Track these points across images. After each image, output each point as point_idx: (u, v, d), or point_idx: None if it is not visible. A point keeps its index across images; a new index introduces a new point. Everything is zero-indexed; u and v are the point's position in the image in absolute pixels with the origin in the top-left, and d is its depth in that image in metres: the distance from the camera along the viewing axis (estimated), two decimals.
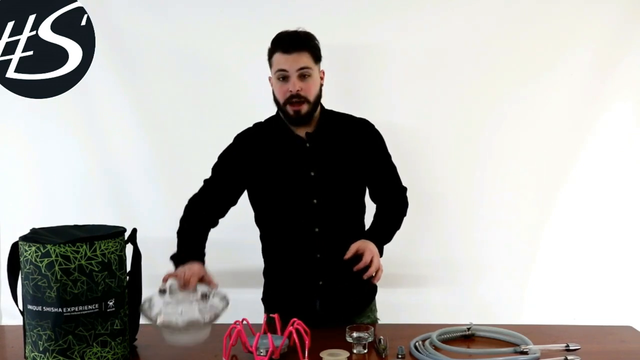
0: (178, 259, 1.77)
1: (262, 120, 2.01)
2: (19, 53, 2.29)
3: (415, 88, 2.52)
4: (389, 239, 1.94)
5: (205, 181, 1.97)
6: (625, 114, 2.54)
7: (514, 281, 2.60)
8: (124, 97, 2.52)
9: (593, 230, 2.58)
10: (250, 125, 2.00)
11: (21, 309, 1.60)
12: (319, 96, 1.90)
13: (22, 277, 1.57)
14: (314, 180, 1.88)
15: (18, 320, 1.66)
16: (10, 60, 2.30)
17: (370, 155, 1.95)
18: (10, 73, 2.30)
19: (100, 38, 2.37)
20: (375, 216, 1.99)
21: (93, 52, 2.34)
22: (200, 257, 1.81)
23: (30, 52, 2.29)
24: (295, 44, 1.83)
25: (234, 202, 1.97)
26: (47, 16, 2.29)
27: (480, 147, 2.55)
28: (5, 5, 2.28)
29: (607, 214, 2.58)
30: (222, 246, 2.39)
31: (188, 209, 1.95)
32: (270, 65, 1.88)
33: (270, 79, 1.91)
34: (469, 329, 1.76)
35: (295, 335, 1.57)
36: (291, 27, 1.89)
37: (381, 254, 1.83)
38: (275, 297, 1.99)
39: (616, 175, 2.57)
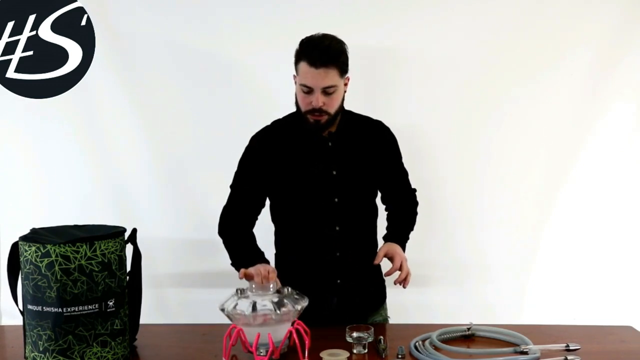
0: (245, 263, 1.74)
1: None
2: (19, 53, 2.29)
3: (414, 89, 2.52)
4: (407, 239, 1.98)
5: (232, 187, 1.95)
6: (625, 114, 2.54)
7: (514, 281, 2.60)
8: (124, 97, 2.51)
9: (593, 231, 2.58)
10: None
11: (21, 309, 1.60)
12: (342, 106, 1.89)
13: (22, 277, 1.57)
14: (336, 179, 1.89)
15: (18, 320, 1.66)
16: (10, 60, 2.29)
17: (385, 157, 1.98)
18: (10, 73, 2.30)
19: (100, 38, 2.37)
20: (391, 218, 2.03)
21: (93, 52, 2.34)
22: (264, 258, 1.82)
23: (30, 52, 2.29)
24: (324, 59, 1.75)
25: (264, 202, 1.97)
26: (47, 16, 2.29)
27: (480, 147, 2.55)
28: (5, 5, 2.27)
29: (607, 214, 2.58)
30: (218, 246, 2.39)
31: (224, 221, 1.93)
32: (296, 70, 1.84)
33: (294, 77, 1.87)
34: (469, 329, 1.76)
35: (295, 336, 1.57)
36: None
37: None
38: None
39: (616, 176, 2.57)
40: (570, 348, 1.64)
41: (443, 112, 2.53)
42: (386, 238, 1.96)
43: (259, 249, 1.87)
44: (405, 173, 2.06)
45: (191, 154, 2.54)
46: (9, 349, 1.77)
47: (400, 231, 1.98)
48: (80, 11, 2.31)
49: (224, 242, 1.90)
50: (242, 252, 1.84)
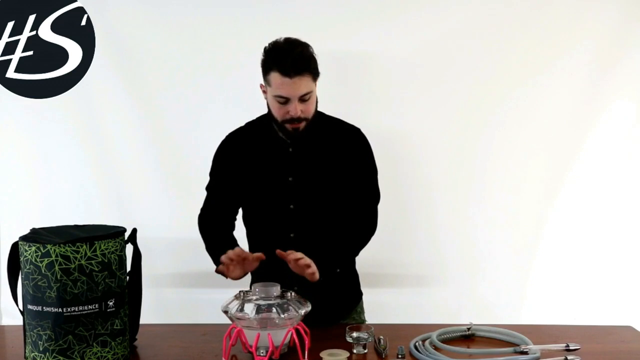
0: (218, 252, 1.76)
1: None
2: (19, 53, 2.29)
3: (413, 88, 2.52)
4: (342, 261, 1.88)
5: (207, 189, 1.97)
6: (625, 114, 2.54)
7: (514, 281, 2.60)
8: (124, 97, 2.52)
9: (593, 230, 2.58)
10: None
11: (21, 309, 1.60)
12: (316, 108, 1.87)
13: (22, 277, 1.57)
14: (292, 186, 1.87)
15: (18, 320, 1.66)
16: (10, 60, 2.29)
17: (352, 164, 1.89)
18: (10, 73, 2.30)
19: (100, 38, 2.37)
20: (340, 236, 1.88)
21: (93, 52, 2.34)
22: (235, 244, 1.82)
23: (30, 52, 2.29)
24: (297, 68, 1.71)
25: (241, 201, 1.96)
26: (47, 16, 2.29)
27: (480, 147, 2.55)
28: (5, 5, 2.27)
29: (607, 213, 2.58)
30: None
31: (201, 224, 1.94)
32: (266, 82, 1.79)
33: (262, 86, 1.83)
34: (469, 329, 1.75)
35: (295, 336, 1.57)
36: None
37: (324, 276, 1.74)
38: None
39: (616, 175, 2.57)
40: (570, 348, 1.63)
41: (443, 113, 2.53)
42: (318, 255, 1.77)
43: (232, 238, 1.85)
44: (371, 184, 1.92)
45: (191, 153, 2.54)
46: (9, 349, 1.77)
47: (336, 253, 1.85)
48: (80, 11, 2.31)
49: (205, 247, 1.89)
50: (218, 250, 1.80)
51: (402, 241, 2.55)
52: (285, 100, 1.76)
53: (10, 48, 2.29)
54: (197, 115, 2.54)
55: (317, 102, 1.86)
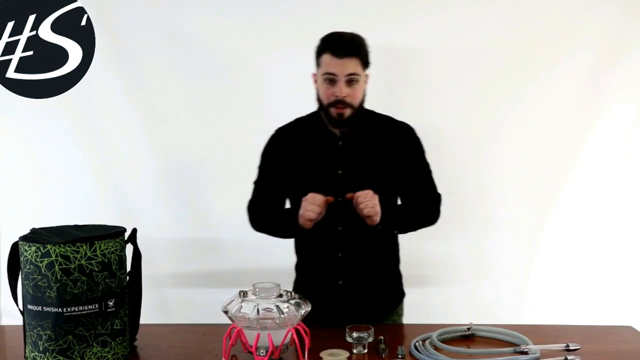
0: (293, 216, 1.83)
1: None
2: (19, 53, 2.29)
3: (413, 89, 2.52)
4: (400, 226, 1.94)
5: (255, 183, 2.00)
6: (625, 114, 2.54)
7: (514, 281, 2.60)
8: (124, 97, 2.52)
9: (593, 230, 2.58)
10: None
11: (21, 309, 1.60)
12: (363, 101, 1.90)
13: (22, 277, 1.57)
14: (341, 179, 1.89)
15: (18, 320, 1.66)
16: (10, 60, 2.29)
17: (405, 160, 1.95)
18: (10, 73, 2.30)
19: (100, 38, 2.36)
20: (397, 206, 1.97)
21: (93, 52, 2.34)
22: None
23: (30, 52, 2.29)
24: (347, 48, 1.81)
25: (290, 193, 1.98)
26: (47, 16, 2.28)
27: (479, 147, 2.55)
28: (5, 5, 2.27)
29: (607, 214, 2.58)
30: (218, 246, 2.40)
31: (253, 213, 1.99)
32: (318, 64, 1.87)
33: (314, 75, 1.91)
34: (469, 329, 1.76)
35: (295, 336, 1.57)
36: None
37: (381, 226, 1.83)
38: (302, 293, 1.96)
39: (616, 176, 2.57)
40: (570, 348, 1.63)
41: (442, 113, 2.53)
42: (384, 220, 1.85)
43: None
44: (427, 179, 2.00)
45: (191, 153, 2.54)
46: (9, 349, 1.77)
47: (397, 211, 1.92)
48: (80, 11, 2.31)
49: (263, 227, 1.96)
50: (279, 214, 1.91)
51: (402, 242, 2.55)
52: (332, 78, 1.81)
53: (10, 48, 2.29)
54: (197, 115, 2.54)
55: (364, 94, 1.89)
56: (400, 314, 2.05)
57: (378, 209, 1.78)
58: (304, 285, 1.98)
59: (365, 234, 1.88)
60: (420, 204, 1.98)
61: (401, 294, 2.06)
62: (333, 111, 1.85)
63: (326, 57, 1.82)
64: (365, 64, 1.86)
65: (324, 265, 1.91)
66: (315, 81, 1.91)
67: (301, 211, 1.79)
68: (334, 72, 1.81)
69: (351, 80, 1.82)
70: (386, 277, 2.01)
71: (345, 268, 1.90)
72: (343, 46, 1.81)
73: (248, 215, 2.00)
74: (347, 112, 1.84)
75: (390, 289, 2.03)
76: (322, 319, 1.77)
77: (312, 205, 1.77)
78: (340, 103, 1.83)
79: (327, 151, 1.92)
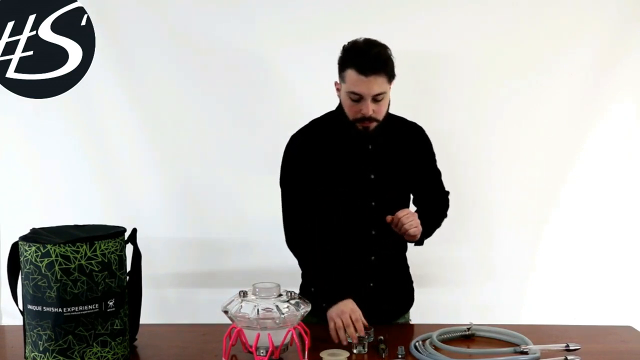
0: (329, 299, 1.73)
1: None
2: (19, 53, 2.29)
3: (413, 89, 2.52)
4: (430, 233, 1.94)
5: (284, 198, 1.89)
6: (625, 114, 2.54)
7: (514, 281, 2.60)
8: (124, 97, 2.51)
9: (593, 231, 2.58)
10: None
11: (21, 309, 1.60)
12: (388, 111, 1.85)
13: (22, 277, 1.57)
14: (374, 183, 1.87)
15: (18, 320, 1.66)
16: (10, 60, 2.30)
17: (420, 160, 1.95)
18: (10, 73, 2.30)
19: (100, 38, 2.37)
20: (420, 214, 1.91)
21: (93, 52, 2.34)
22: (346, 291, 1.75)
23: (30, 52, 2.29)
24: (374, 65, 1.72)
25: (320, 199, 1.88)
26: (47, 16, 2.29)
27: (479, 147, 2.55)
28: (5, 5, 2.27)
29: (607, 214, 2.58)
30: (218, 246, 2.39)
31: (295, 245, 1.87)
32: (342, 78, 1.79)
33: (336, 84, 1.84)
34: (469, 329, 1.76)
35: (295, 336, 1.57)
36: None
37: (421, 242, 1.88)
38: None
39: (616, 176, 2.57)
40: (570, 348, 1.63)
41: (441, 113, 2.53)
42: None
43: (336, 277, 1.79)
44: (439, 176, 2.02)
45: (191, 153, 2.54)
46: (9, 349, 1.77)
47: (425, 224, 1.86)
48: (80, 11, 2.31)
49: (298, 259, 1.86)
50: (321, 283, 1.78)
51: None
52: (358, 98, 1.75)
53: (10, 48, 2.29)
54: (197, 115, 2.53)
55: (389, 104, 1.85)
56: (407, 318, 2.06)
57: (420, 226, 1.78)
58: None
59: (396, 239, 1.87)
60: (438, 204, 2.00)
61: (412, 296, 2.06)
62: (359, 126, 1.80)
63: (351, 74, 1.73)
64: (392, 78, 1.78)
65: (357, 268, 1.89)
66: (338, 89, 1.84)
67: (333, 310, 1.70)
68: (359, 93, 1.74)
69: (377, 100, 1.76)
70: (407, 281, 2.03)
71: (377, 271, 1.90)
72: (369, 63, 1.71)
73: (286, 233, 1.88)
74: (373, 125, 1.80)
75: (407, 291, 2.04)
76: None
77: (342, 320, 1.67)
78: (366, 119, 1.78)
79: (357, 155, 1.87)
